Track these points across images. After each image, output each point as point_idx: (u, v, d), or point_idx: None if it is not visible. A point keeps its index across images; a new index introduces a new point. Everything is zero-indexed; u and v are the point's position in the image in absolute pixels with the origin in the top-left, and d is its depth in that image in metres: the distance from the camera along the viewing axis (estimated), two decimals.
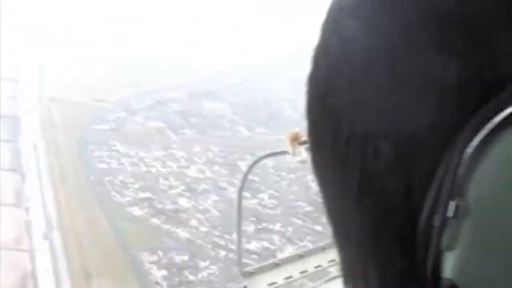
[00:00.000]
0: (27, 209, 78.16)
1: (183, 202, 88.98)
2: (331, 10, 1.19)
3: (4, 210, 77.30)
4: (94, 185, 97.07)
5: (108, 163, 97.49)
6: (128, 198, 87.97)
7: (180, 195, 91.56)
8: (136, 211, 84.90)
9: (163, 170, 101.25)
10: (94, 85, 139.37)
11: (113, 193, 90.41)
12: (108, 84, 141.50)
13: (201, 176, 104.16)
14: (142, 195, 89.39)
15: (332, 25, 1.15)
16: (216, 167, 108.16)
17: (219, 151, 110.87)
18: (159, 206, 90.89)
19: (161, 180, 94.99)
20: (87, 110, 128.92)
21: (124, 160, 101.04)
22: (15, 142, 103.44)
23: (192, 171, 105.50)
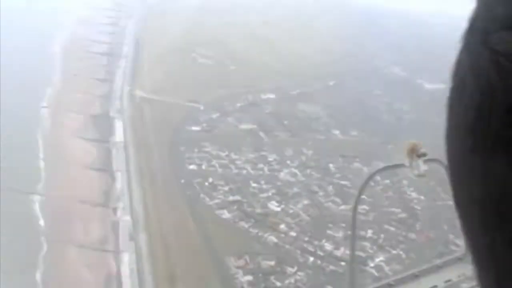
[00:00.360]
0: (114, 210, 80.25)
1: (273, 206, 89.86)
2: (477, 20, 1.16)
3: (93, 210, 79.60)
4: (183, 187, 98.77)
5: (199, 165, 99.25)
6: (217, 201, 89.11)
7: (270, 198, 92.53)
8: (225, 214, 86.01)
9: (253, 172, 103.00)
10: (187, 86, 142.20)
11: (202, 195, 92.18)
12: (201, 85, 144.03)
13: (292, 179, 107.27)
14: (231, 198, 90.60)
15: (480, 37, 1.09)
16: (308, 171, 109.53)
17: (312, 154, 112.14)
18: (248, 209, 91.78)
19: (252, 183, 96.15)
20: (179, 111, 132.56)
21: (214, 162, 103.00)
22: (106, 142, 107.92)
23: (284, 174, 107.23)
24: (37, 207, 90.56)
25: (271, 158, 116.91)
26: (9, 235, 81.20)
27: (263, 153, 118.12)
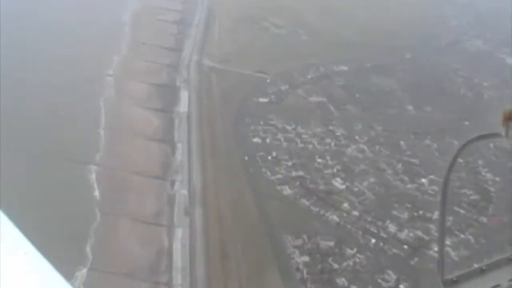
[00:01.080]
0: (172, 182, 73.05)
1: (337, 183, 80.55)
2: None
3: (149, 182, 72.54)
4: (245, 160, 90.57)
5: (263, 138, 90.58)
6: (279, 176, 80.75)
7: (335, 175, 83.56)
8: (286, 190, 77.57)
9: (320, 147, 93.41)
10: (257, 56, 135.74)
11: (264, 169, 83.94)
12: (271, 55, 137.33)
13: (360, 155, 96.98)
14: (294, 173, 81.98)
15: None
16: (377, 147, 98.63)
17: (382, 130, 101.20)
18: (311, 186, 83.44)
19: (317, 158, 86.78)
20: (247, 82, 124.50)
21: (280, 136, 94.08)
22: (170, 112, 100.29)
23: (351, 150, 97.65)
24: (93, 177, 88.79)
25: (339, 132, 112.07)
26: (64, 205, 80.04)
27: (331, 127, 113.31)
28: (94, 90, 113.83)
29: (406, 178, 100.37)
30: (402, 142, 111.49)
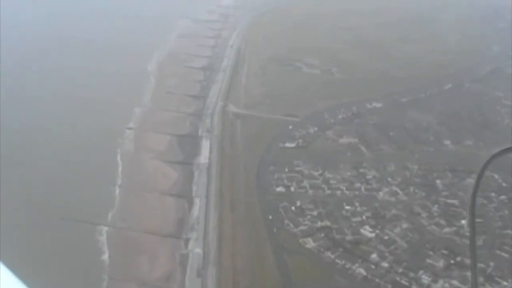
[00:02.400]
0: (186, 241, 65.72)
1: (366, 232, 71.92)
2: None
3: (162, 242, 65.09)
4: (266, 212, 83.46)
5: (287, 187, 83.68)
6: (302, 228, 73.10)
7: (363, 223, 74.96)
8: (309, 243, 69.52)
9: (348, 193, 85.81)
10: (286, 99, 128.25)
11: (287, 221, 76.27)
12: (302, 96, 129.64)
13: (392, 199, 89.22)
14: (319, 223, 74.23)
15: None
16: (411, 188, 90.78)
17: (418, 169, 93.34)
18: (337, 236, 74.91)
19: (345, 206, 79.18)
20: (274, 126, 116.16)
21: (305, 183, 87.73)
22: (189, 164, 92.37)
23: (383, 194, 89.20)
24: (103, 239, 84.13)
25: (370, 175, 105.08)
26: (69, 270, 75.64)
27: (362, 170, 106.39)
28: (112, 144, 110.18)
29: (442, 222, 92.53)
30: (438, 181, 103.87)
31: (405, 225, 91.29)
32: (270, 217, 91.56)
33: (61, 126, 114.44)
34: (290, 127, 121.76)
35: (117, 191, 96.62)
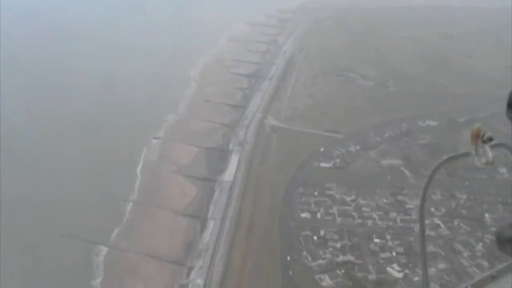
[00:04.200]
0: (190, 269, 51.79)
1: (393, 271, 58.19)
2: None
3: (163, 268, 52.59)
4: (285, 240, 70.17)
5: (314, 212, 68.27)
6: (320, 262, 58.69)
7: (392, 260, 59.92)
8: (326, 280, 55.80)
9: (381, 223, 71.01)
10: (332, 112, 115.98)
11: (305, 253, 62.14)
12: (350, 110, 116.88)
13: (431, 233, 74.90)
14: (341, 258, 59.95)
15: None
16: (455, 222, 77.09)
17: (466, 199, 77.93)
18: (359, 274, 60.63)
19: (374, 238, 64.04)
20: (312, 143, 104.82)
21: (335, 209, 72.01)
22: (212, 181, 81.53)
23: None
24: (100, 260, 77.36)
25: (410, 204, 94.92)
26: None
27: (401, 197, 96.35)
28: (135, 154, 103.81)
29: (485, 263, 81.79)
30: (487, 215, 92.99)
31: (441, 265, 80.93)
32: (288, 245, 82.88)
33: (87, 135, 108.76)
34: (341, 138, 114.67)
35: (129, 206, 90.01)
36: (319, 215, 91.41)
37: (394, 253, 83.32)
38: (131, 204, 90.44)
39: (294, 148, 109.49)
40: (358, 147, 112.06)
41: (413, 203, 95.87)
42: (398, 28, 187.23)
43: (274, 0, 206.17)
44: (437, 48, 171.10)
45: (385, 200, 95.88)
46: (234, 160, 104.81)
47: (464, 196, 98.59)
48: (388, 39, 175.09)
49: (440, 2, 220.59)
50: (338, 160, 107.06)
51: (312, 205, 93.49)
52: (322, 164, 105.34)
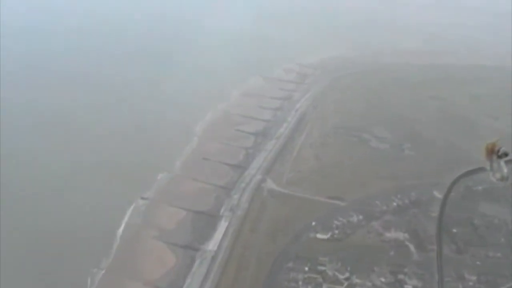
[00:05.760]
0: None
1: None
2: None
3: None
4: None
5: None
6: None
7: None
8: None
9: None
10: (339, 176, 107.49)
11: None
12: (358, 175, 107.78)
13: None
14: None
15: None
16: None
17: (476, 281, 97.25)
18: None
19: None
20: (312, 211, 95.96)
21: None
22: (194, 250, 70.96)
23: None
24: None
25: (410, 284, 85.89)
26: None
27: (401, 276, 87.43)
28: (118, 215, 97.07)
29: None
30: None
31: None
32: None
33: (71, 193, 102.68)
34: (343, 206, 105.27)
35: (99, 275, 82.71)
36: None
37: None
38: (102, 272, 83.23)
39: (291, 215, 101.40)
40: (361, 217, 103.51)
41: (412, 283, 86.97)
42: (423, 87, 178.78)
43: (295, 54, 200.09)
44: (461, 109, 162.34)
45: (383, 279, 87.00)
46: (223, 226, 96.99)
47: (474, 278, 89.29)
48: (410, 99, 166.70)
49: (470, 61, 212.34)
50: (336, 231, 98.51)
51: (300, 283, 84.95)
52: (319, 235, 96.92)
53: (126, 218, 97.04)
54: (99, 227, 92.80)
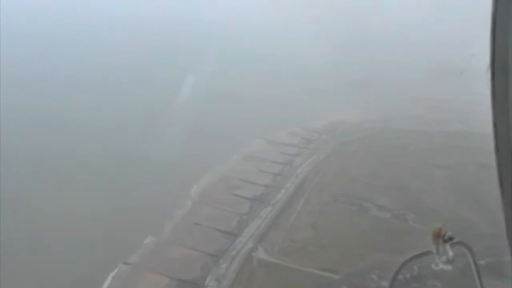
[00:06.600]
0: None
1: None
2: None
3: None
4: None
5: None
6: None
7: None
8: None
9: None
10: (335, 248, 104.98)
11: None
12: (356, 246, 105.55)
13: None
14: None
15: None
16: None
17: None
18: None
19: None
20: (302, 284, 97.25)
21: None
22: None
23: None
24: None
25: None
26: None
27: None
28: (99, 282, 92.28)
29: None
30: None
31: None
32: None
33: (53, 257, 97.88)
34: (337, 279, 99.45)
35: None
36: None
37: None
38: None
39: None
40: None
41: None
42: (430, 155, 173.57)
43: (301, 118, 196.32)
44: (469, 179, 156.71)
45: None
46: None
47: None
48: (415, 167, 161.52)
49: (480, 129, 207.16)
50: None
51: None
52: None
53: (105, 284, 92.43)
54: None
